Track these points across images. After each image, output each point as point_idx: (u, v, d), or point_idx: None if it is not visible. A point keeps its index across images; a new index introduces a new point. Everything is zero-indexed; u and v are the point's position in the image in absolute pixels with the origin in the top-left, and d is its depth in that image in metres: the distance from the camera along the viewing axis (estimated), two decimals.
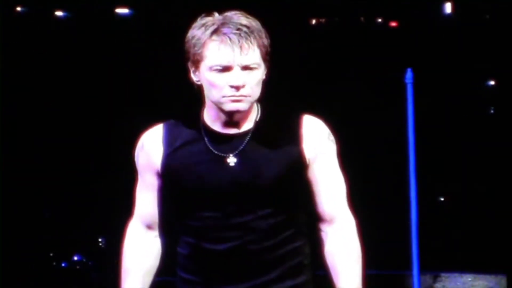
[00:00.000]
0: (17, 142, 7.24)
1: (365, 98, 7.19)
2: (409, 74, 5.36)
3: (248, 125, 2.58)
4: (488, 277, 6.26)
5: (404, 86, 5.34)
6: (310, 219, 2.63)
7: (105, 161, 7.29)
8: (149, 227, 2.66)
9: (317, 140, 2.59)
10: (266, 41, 2.54)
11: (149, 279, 2.67)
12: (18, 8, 7.31)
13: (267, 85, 2.58)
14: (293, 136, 2.58)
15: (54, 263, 7.01)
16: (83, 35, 7.28)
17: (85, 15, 7.33)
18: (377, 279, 6.15)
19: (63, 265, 7.03)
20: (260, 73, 2.54)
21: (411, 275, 5.32)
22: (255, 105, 2.60)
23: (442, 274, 6.27)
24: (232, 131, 2.57)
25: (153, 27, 7.12)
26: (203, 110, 2.60)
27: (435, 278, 6.26)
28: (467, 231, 6.90)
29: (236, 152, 2.55)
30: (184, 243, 2.60)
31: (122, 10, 7.38)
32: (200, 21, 2.54)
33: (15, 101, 7.15)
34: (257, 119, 2.59)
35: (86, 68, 7.24)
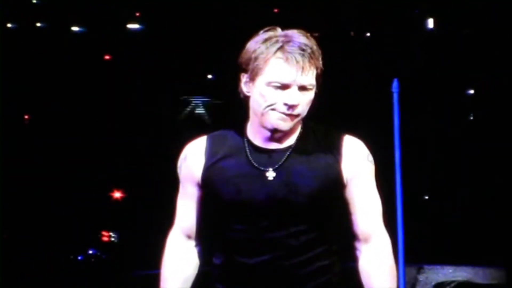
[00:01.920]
0: (27, 135, 7.25)
1: (355, 106, 7.20)
2: (395, 84, 5.34)
3: (290, 140, 2.47)
4: (466, 268, 6.24)
5: (391, 95, 5.35)
6: (342, 237, 2.55)
7: (117, 162, 7.30)
8: (189, 236, 2.57)
9: (356, 160, 2.48)
10: (321, 63, 2.44)
11: (187, 287, 2.59)
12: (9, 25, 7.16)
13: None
14: (333, 155, 2.46)
15: (71, 257, 7.01)
16: (95, 49, 7.24)
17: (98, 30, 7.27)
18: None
19: (79, 258, 7.04)
20: (313, 94, 2.44)
21: (397, 268, 5.32)
22: (299, 122, 2.49)
23: (425, 267, 6.26)
24: (274, 145, 2.46)
25: (163, 42, 7.10)
26: (247, 123, 2.50)
27: (419, 270, 6.21)
28: (448, 227, 6.91)
29: (276, 166, 2.43)
30: (218, 254, 2.51)
31: (133, 26, 7.32)
32: (262, 35, 2.43)
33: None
34: (299, 136, 2.48)
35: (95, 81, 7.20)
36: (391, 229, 5.26)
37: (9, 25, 7.06)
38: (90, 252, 7.12)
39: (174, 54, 7.04)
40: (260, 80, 2.41)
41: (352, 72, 7.20)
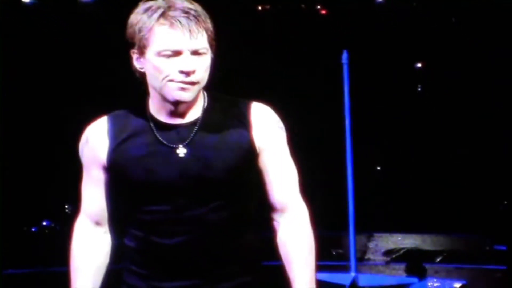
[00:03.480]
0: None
1: (306, 77, 7.20)
2: (345, 55, 5.33)
3: (195, 114, 2.26)
4: (414, 236, 6.32)
5: (341, 66, 5.32)
6: (262, 209, 2.35)
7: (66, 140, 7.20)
8: (97, 223, 2.34)
9: (266, 127, 2.29)
10: (211, 26, 2.23)
11: (99, 276, 2.35)
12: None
13: (213, 72, 2.27)
14: (242, 125, 2.27)
15: (25, 228, 6.91)
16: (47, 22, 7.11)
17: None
18: (318, 239, 6.19)
19: (33, 229, 6.95)
20: (208, 59, 2.23)
21: (347, 235, 5.33)
22: (201, 93, 2.28)
23: (375, 234, 6.32)
24: (180, 120, 2.25)
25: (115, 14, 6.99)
26: (148, 100, 2.28)
27: (369, 237, 6.33)
28: (397, 197, 6.97)
29: (186, 142, 2.23)
30: (132, 236, 2.29)
31: None
32: (143, 6, 2.21)
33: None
34: (204, 108, 2.27)
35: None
36: (343, 199, 5.32)
37: None
38: (44, 223, 7.01)
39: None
40: (150, 52, 2.19)
41: (304, 43, 7.15)
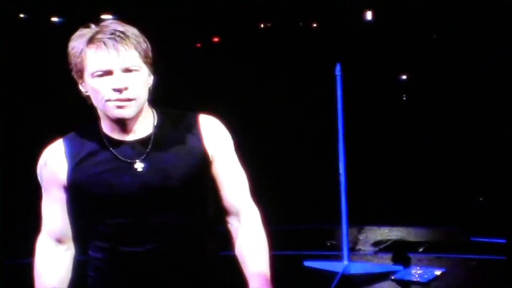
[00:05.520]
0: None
1: (301, 89, 7.22)
2: (338, 68, 5.29)
3: (147, 130, 2.16)
4: (400, 228, 6.29)
5: (334, 78, 5.30)
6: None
7: None
8: (58, 240, 2.22)
9: (216, 137, 2.21)
10: (144, 45, 2.12)
11: None
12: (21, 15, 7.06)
13: (164, 87, 2.19)
14: (193, 136, 2.18)
15: None
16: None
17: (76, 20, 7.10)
18: (311, 232, 6.18)
19: None
20: (142, 75, 2.10)
21: (340, 228, 5.31)
22: (149, 110, 2.18)
23: (365, 227, 6.31)
24: (133, 137, 2.15)
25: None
26: (100, 121, 2.17)
27: (360, 230, 6.25)
28: (384, 193, 6.96)
29: (142, 157, 2.13)
30: (97, 248, 2.18)
31: (107, 16, 7.23)
32: (77, 33, 2.14)
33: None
34: (155, 124, 2.17)
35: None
36: (337, 195, 5.33)
37: None
38: None
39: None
40: (86, 75, 2.10)
41: (301, 57, 7.17)
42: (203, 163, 2.18)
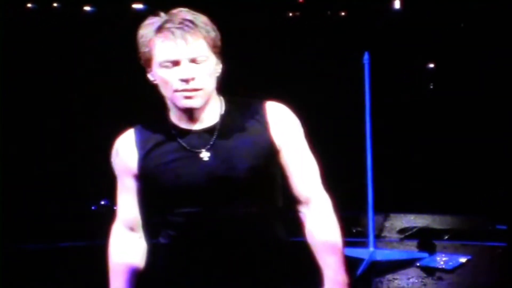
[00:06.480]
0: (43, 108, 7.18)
1: (329, 75, 7.21)
2: (366, 56, 5.26)
3: (213, 119, 2.13)
4: (425, 216, 6.30)
5: (362, 66, 5.27)
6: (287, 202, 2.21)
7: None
8: (132, 229, 2.22)
9: (284, 125, 2.15)
10: (213, 34, 2.08)
11: (136, 278, 2.24)
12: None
13: (233, 76, 2.16)
14: (260, 124, 2.13)
15: (86, 206, 6.94)
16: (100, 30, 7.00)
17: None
18: (340, 219, 6.17)
19: (93, 208, 6.99)
20: (209, 65, 2.07)
21: (366, 215, 5.32)
22: (216, 98, 2.15)
23: (391, 214, 6.33)
24: (200, 126, 2.12)
25: None
26: (168, 110, 2.16)
27: (386, 217, 6.26)
28: (410, 181, 6.96)
29: (208, 146, 2.10)
30: (166, 236, 2.16)
31: (138, 6, 7.06)
32: (146, 21, 2.10)
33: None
34: (222, 112, 2.14)
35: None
36: (363, 184, 5.34)
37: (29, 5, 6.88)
38: (103, 203, 7.05)
39: None
40: (154, 64, 2.08)
41: (330, 45, 7.17)
42: (270, 152, 2.13)
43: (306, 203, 2.19)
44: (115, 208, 2.26)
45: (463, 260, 5.20)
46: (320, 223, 2.18)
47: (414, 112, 7.50)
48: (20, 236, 5.87)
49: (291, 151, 2.16)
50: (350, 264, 5.16)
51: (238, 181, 2.08)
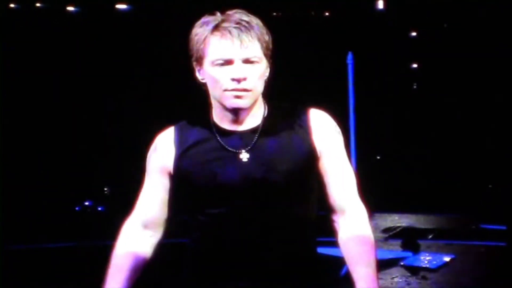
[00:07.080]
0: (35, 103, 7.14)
1: (314, 75, 7.22)
2: (350, 56, 5.27)
3: (256, 121, 2.12)
4: (409, 215, 6.34)
5: (346, 66, 5.28)
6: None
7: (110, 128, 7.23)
8: (146, 226, 2.19)
9: (326, 132, 2.13)
10: (267, 37, 2.09)
11: (136, 276, 2.20)
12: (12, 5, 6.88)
13: (271, 81, 2.12)
14: (302, 130, 2.12)
15: (70, 207, 6.95)
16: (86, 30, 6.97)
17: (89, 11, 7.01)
18: (321, 219, 6.18)
19: (76, 208, 6.97)
20: (261, 67, 2.08)
21: None
22: (261, 102, 2.14)
23: (376, 214, 6.34)
24: (241, 127, 2.11)
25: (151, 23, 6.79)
26: (211, 110, 2.15)
27: (370, 217, 6.29)
28: (394, 182, 6.99)
29: (248, 148, 2.09)
30: (197, 237, 2.14)
31: (121, 6, 6.97)
32: (201, 20, 2.11)
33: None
34: (265, 115, 2.13)
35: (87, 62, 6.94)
36: None
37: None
38: (86, 203, 7.04)
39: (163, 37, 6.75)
40: (206, 62, 2.08)
41: (313, 46, 7.18)
42: (310, 158, 2.10)
43: (342, 213, 2.15)
44: (133, 205, 2.21)
45: (447, 259, 5.21)
46: (356, 234, 2.14)
47: (398, 112, 7.52)
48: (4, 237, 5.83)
49: (331, 158, 2.13)
50: (334, 264, 5.19)
51: (274, 184, 2.06)
